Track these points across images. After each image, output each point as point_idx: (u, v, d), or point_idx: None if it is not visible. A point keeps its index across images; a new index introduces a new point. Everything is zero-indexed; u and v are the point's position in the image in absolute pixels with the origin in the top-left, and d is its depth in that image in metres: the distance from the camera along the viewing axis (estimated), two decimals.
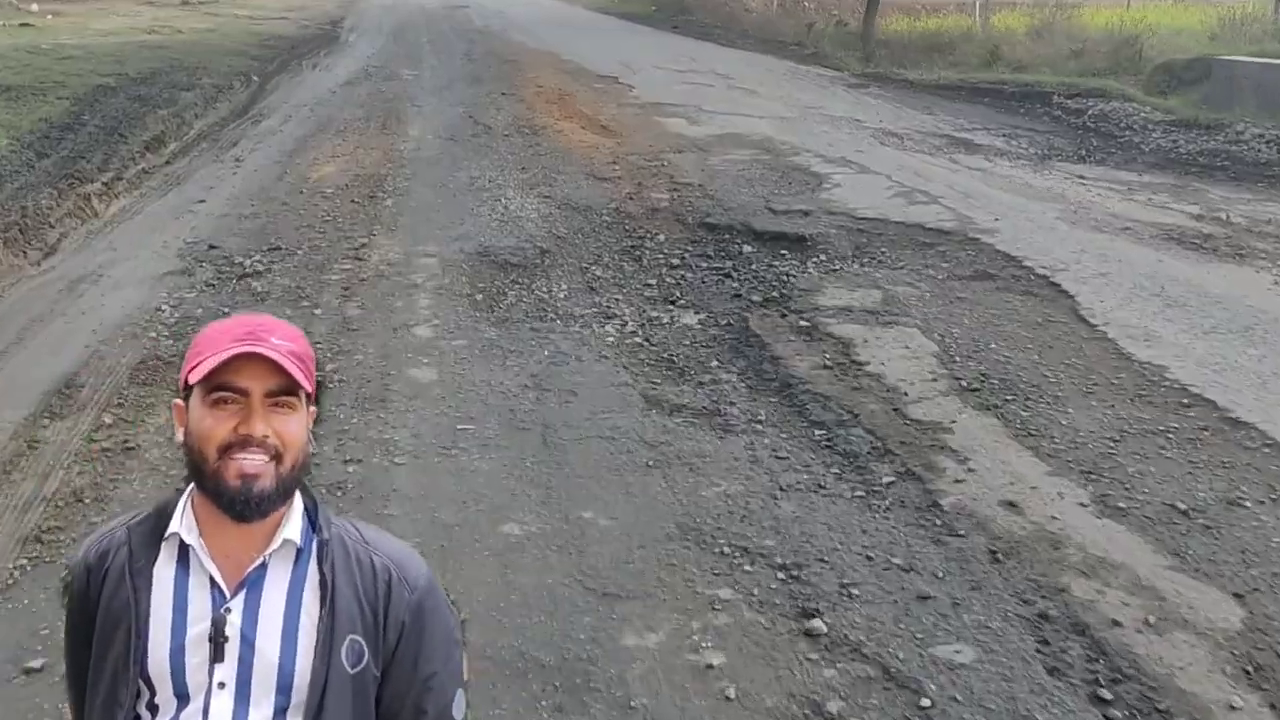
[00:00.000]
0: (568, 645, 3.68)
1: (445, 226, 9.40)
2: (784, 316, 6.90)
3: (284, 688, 1.61)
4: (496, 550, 4.29)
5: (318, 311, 7.24)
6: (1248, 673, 3.49)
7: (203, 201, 10.57)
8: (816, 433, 5.30)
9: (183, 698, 1.61)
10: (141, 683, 1.62)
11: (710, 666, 3.56)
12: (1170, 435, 5.16)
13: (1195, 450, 5.03)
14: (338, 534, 1.70)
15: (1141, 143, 13.18)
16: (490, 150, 12.62)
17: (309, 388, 1.63)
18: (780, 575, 4.07)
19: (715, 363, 6.33)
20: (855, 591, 3.95)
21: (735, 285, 7.99)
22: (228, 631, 1.60)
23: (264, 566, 1.64)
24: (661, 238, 9.10)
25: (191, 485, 1.65)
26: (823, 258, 8.43)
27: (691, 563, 4.18)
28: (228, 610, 1.61)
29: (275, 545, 1.63)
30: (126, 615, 1.62)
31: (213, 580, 1.62)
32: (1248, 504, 4.53)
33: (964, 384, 5.77)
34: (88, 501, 4.74)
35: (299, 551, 1.66)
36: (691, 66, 20.70)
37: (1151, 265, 7.81)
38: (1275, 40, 18.46)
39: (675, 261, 8.56)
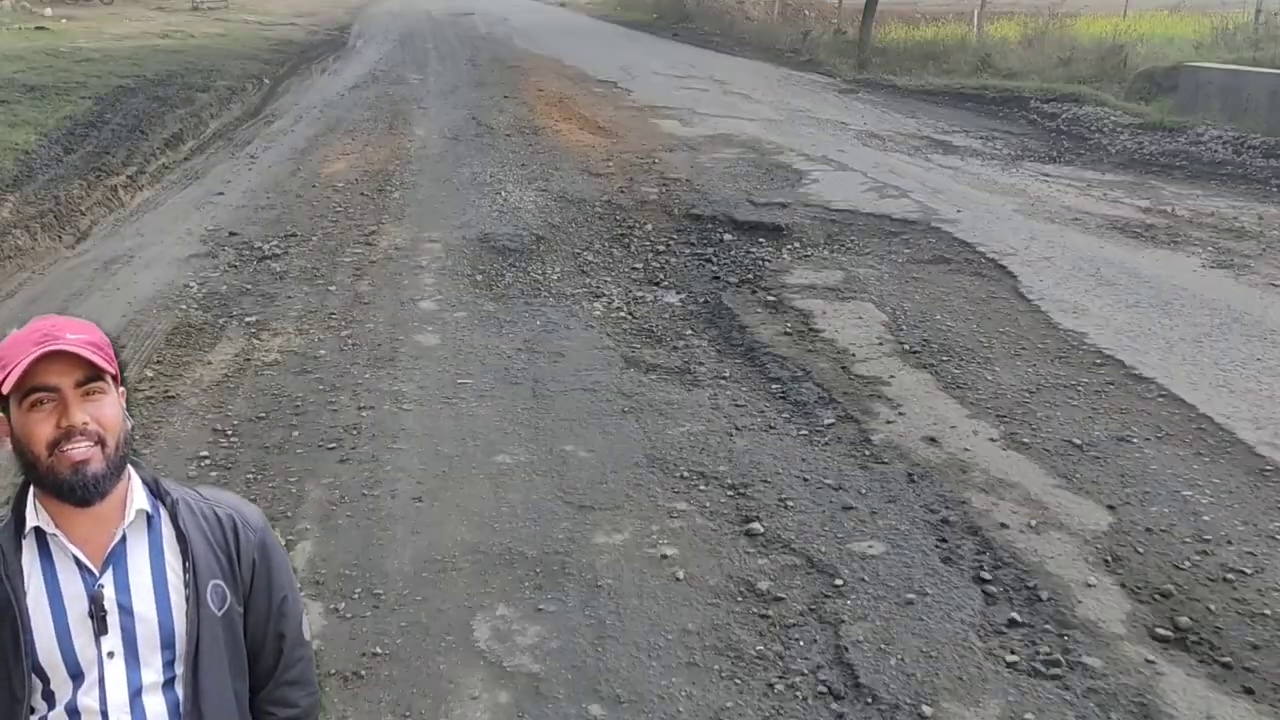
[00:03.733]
0: (548, 544, 4.43)
1: (449, 216, 10.14)
2: (754, 293, 7.65)
3: (167, 643, 1.78)
4: (490, 475, 5.04)
5: (332, 288, 7.97)
6: (1106, 562, 4.23)
7: (221, 194, 11.33)
8: (773, 386, 6.06)
9: (76, 676, 1.74)
10: (34, 676, 1.73)
11: (665, 556, 4.31)
12: (1080, 389, 5.91)
13: (1099, 399, 5.78)
14: (181, 496, 1.88)
15: (1109, 144, 13.91)
16: (492, 149, 13.38)
17: (113, 370, 1.75)
18: (729, 493, 4.83)
19: (690, 332, 7.07)
20: (790, 504, 4.71)
21: (715, 269, 8.72)
22: (106, 605, 1.74)
23: (124, 539, 1.79)
24: (649, 227, 9.83)
25: (34, 491, 1.78)
26: (797, 245, 9.16)
27: (655, 484, 4.93)
28: (101, 586, 1.75)
29: (130, 518, 1.79)
30: (7, 615, 1.71)
31: (79, 562, 1.76)
32: (1135, 440, 5.28)
33: (906, 348, 6.52)
34: (136, 440, 5.47)
35: (149, 519, 1.82)
36: (689, 72, 21.41)
37: (1093, 250, 8.55)
38: (1253, 48, 19.10)
39: (661, 248, 9.30)
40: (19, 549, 1.76)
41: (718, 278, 8.50)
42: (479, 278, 8.41)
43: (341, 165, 12.65)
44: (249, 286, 8.06)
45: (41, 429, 1.70)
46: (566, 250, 9.25)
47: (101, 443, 1.72)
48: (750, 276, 8.32)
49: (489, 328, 7.11)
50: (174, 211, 10.82)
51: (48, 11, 27.99)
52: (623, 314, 7.63)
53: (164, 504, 1.84)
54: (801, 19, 30.45)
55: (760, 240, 9.38)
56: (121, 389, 1.80)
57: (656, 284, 8.50)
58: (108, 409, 1.74)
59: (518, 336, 6.93)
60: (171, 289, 7.98)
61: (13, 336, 1.74)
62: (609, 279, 8.59)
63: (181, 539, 1.82)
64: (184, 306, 7.59)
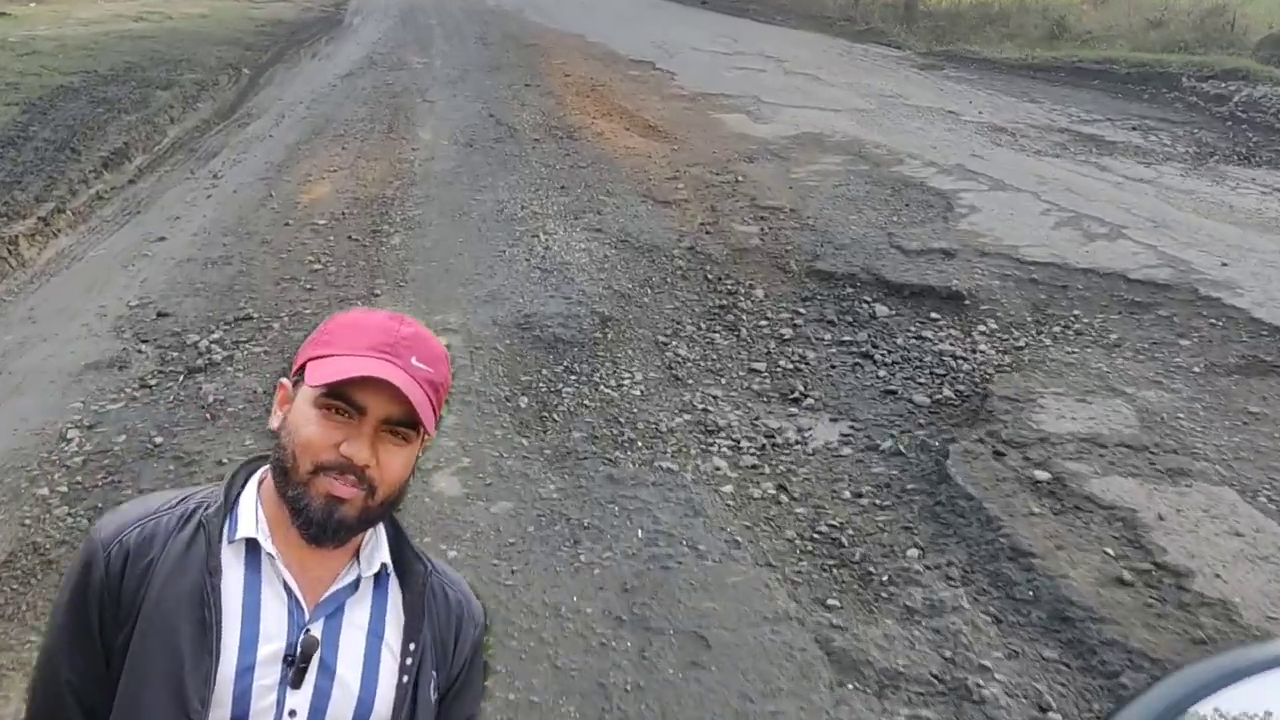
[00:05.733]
0: None
1: (470, 280, 7.06)
2: (999, 456, 4.51)
3: None
4: None
5: None
6: None
7: (163, 240, 8.27)
8: None
9: None
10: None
11: None
12: None
13: None
14: (432, 567, 1.57)
15: None
16: (518, 161, 10.26)
17: (430, 427, 1.43)
18: None
19: (913, 551, 3.97)
20: None
21: (881, 373, 5.68)
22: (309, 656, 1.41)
23: (354, 587, 1.47)
24: (760, 294, 6.77)
25: (258, 478, 1.49)
26: (993, 326, 6.08)
27: None
28: (308, 631, 1.41)
29: (373, 569, 1.48)
30: (192, 617, 1.37)
31: (290, 593, 1.42)
32: None
33: None
34: None
35: (379, 577, 1.50)
36: (734, 48, 18.27)
37: None
38: None
39: (786, 332, 6.24)
40: (221, 543, 1.42)
41: (892, 391, 5.45)
42: (523, 403, 5.36)
43: (326, 188, 9.55)
44: (159, 439, 5.00)
45: (321, 441, 1.39)
46: (646, 337, 6.20)
47: (371, 491, 1.40)
48: (954, 396, 5.24)
49: (556, 549, 4.03)
50: (91, 273, 7.75)
51: None
52: (768, 488, 4.57)
53: (408, 568, 1.51)
54: None
55: (932, 315, 6.30)
56: (429, 435, 1.47)
57: (796, 402, 5.47)
58: (399, 460, 1.42)
59: (609, 578, 3.83)
60: (37, 446, 4.94)
61: (356, 315, 1.46)
62: (718, 392, 5.56)
63: (413, 613, 1.49)
64: (43, 491, 4.55)
